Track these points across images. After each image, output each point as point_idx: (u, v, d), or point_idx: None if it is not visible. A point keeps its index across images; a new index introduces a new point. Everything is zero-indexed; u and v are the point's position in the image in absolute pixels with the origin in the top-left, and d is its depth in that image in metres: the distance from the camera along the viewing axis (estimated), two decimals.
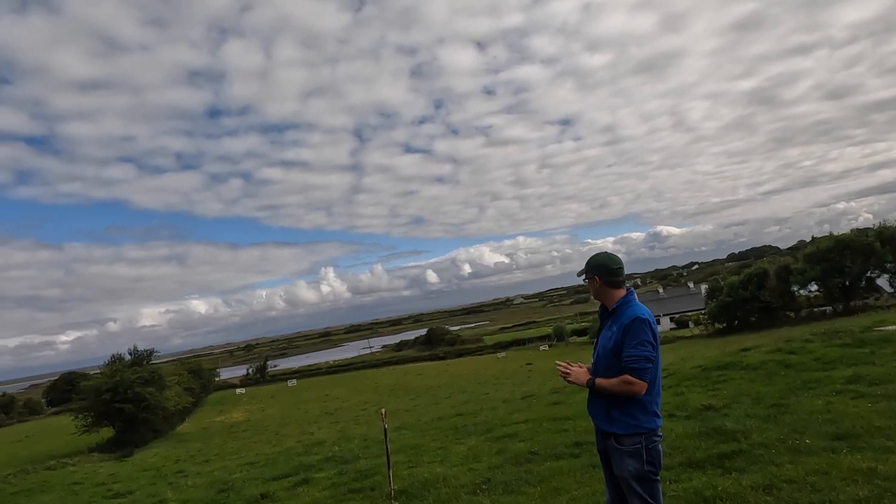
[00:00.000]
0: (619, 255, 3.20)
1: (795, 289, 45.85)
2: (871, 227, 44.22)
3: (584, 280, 3.24)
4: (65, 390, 79.23)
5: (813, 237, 51.15)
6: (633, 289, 3.16)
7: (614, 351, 2.96)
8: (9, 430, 61.09)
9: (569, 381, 3.10)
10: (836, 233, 45.03)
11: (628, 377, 2.86)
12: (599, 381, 2.98)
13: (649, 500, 2.93)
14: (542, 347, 72.33)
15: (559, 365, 3.16)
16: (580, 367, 3.14)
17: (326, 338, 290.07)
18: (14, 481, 18.49)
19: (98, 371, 37.09)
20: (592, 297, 3.25)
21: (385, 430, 4.58)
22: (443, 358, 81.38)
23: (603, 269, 3.14)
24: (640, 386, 2.85)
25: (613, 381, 2.92)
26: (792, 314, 45.96)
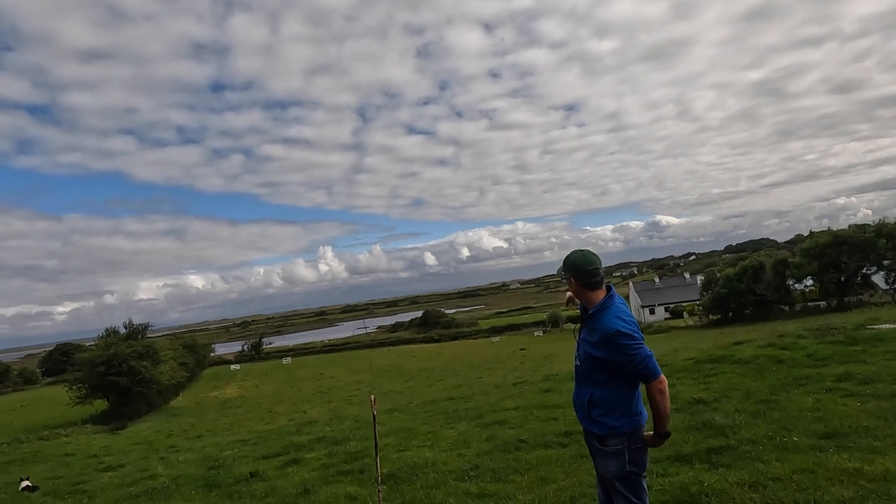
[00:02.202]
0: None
1: (791, 283, 46.01)
2: (870, 223, 44.28)
3: (562, 279, 3.08)
4: (60, 361, 79.46)
5: (811, 231, 51.12)
6: (613, 288, 3.00)
7: (596, 359, 2.86)
8: (4, 399, 61.35)
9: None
10: (834, 228, 45.08)
11: (649, 392, 2.76)
12: (658, 427, 2.83)
13: (634, 500, 2.88)
14: (536, 333, 72.71)
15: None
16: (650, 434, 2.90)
17: (322, 317, 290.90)
18: (7, 450, 18.60)
19: (93, 343, 37.19)
20: (572, 295, 3.11)
21: (374, 415, 4.57)
22: (437, 340, 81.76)
23: (578, 271, 2.95)
24: (660, 380, 2.75)
25: (655, 412, 2.80)
26: (786, 308, 46.17)
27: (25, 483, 9.90)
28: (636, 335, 2.79)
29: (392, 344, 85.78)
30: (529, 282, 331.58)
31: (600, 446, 2.91)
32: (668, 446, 5.27)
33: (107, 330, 38.03)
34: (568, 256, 3.04)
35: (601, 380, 2.89)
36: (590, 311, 2.94)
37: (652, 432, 2.88)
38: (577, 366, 3.07)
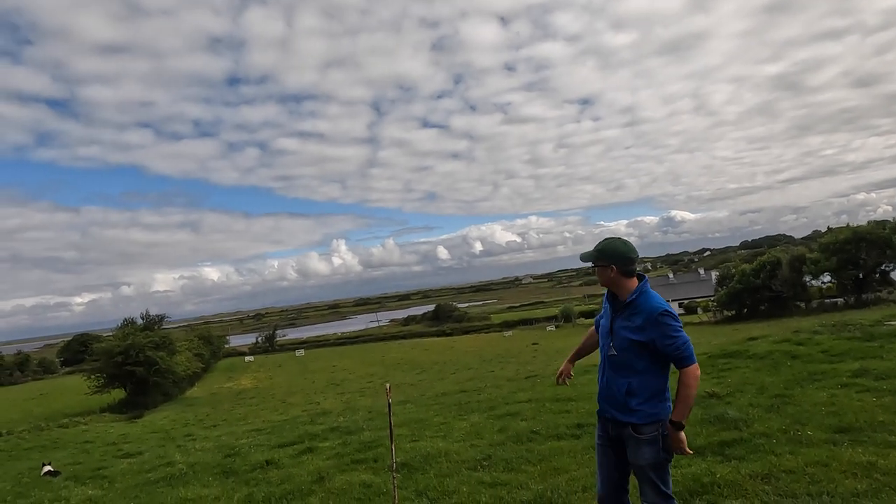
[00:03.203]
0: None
1: (808, 279, 45.46)
2: (891, 219, 43.57)
3: (592, 267, 3.04)
4: (78, 351, 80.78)
5: (829, 227, 50.40)
6: (646, 276, 3.00)
7: (637, 345, 2.85)
8: (24, 388, 62.58)
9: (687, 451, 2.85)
10: (853, 224, 44.43)
11: (684, 371, 2.78)
12: (678, 415, 2.80)
13: (662, 486, 2.87)
14: (548, 328, 72.55)
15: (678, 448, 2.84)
16: (678, 436, 2.83)
17: (335, 310, 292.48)
18: (28, 437, 19.03)
19: (111, 334, 37.79)
20: (602, 284, 3.04)
21: (389, 404, 4.64)
22: (449, 334, 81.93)
23: (621, 258, 2.93)
24: (696, 366, 2.79)
25: (681, 392, 2.78)
26: (802, 305, 45.64)
27: (47, 468, 10.15)
28: (677, 316, 2.84)
29: (404, 337, 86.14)
30: (542, 276, 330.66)
31: (636, 435, 2.86)
32: None
33: (124, 321, 38.60)
34: (609, 243, 2.99)
35: (640, 368, 2.87)
36: (627, 299, 2.92)
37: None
38: (610, 356, 3.00)
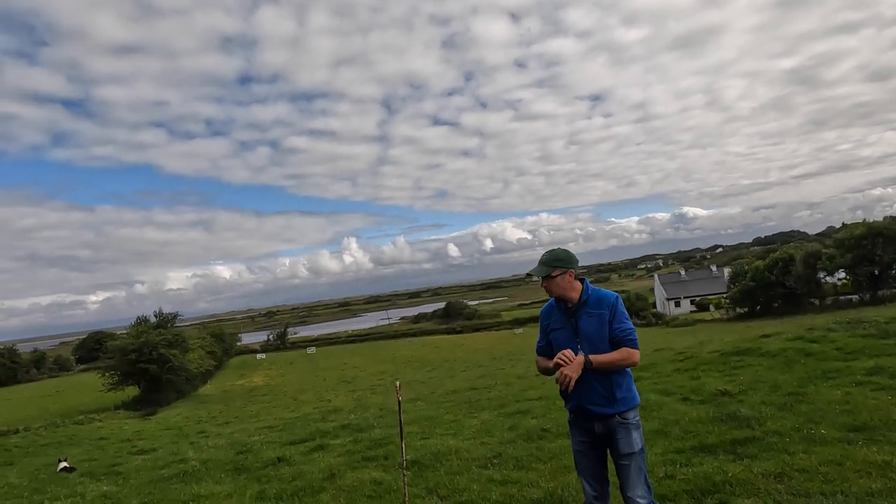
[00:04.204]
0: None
1: (822, 275, 44.94)
2: None
3: (545, 277, 3.11)
4: (93, 349, 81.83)
5: (844, 223, 49.80)
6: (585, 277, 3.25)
7: (608, 336, 3.02)
8: (40, 385, 63.45)
9: (566, 375, 2.88)
10: (869, 220, 43.84)
11: (628, 349, 2.97)
12: (596, 357, 2.94)
13: (645, 471, 3.09)
14: None
15: (562, 358, 2.93)
16: (571, 354, 2.95)
17: (346, 307, 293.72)
18: (45, 434, 19.28)
19: (125, 332, 38.20)
20: (555, 294, 3.14)
21: (399, 402, 4.65)
22: (460, 332, 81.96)
23: (575, 263, 3.17)
24: (638, 355, 3.01)
25: (613, 355, 2.96)
26: (816, 301, 45.13)
27: (63, 464, 10.30)
28: None
29: (415, 335, 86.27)
30: None
31: (625, 422, 3.04)
32: (693, 437, 5.27)
33: (138, 318, 39.05)
34: (560, 251, 3.18)
35: None
36: (583, 298, 3.11)
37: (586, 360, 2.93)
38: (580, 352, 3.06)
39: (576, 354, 2.98)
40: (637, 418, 3.09)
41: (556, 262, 3.12)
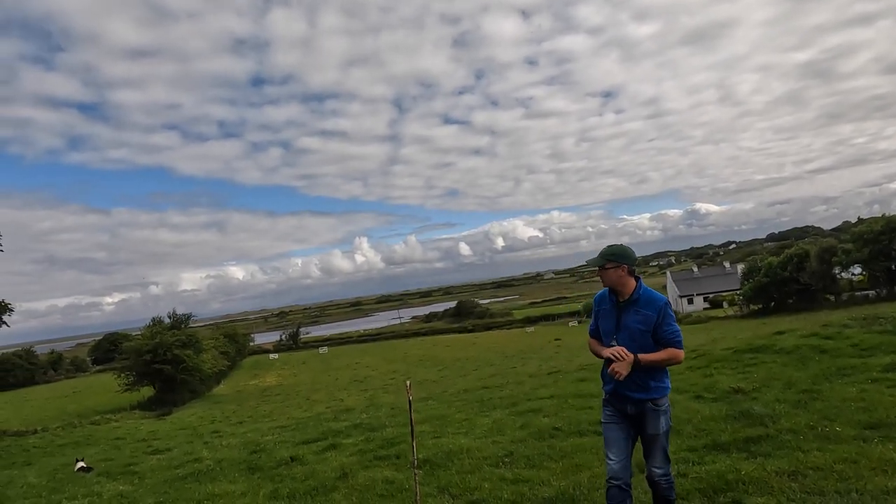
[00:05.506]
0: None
1: (837, 271, 44.38)
2: None
3: (601, 267, 3.42)
4: (108, 350, 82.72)
5: (860, 218, 49.15)
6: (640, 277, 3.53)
7: (649, 332, 3.32)
8: (57, 386, 64.34)
9: (617, 371, 3.20)
10: (887, 214, 43.14)
11: (673, 350, 3.30)
12: (644, 356, 3.25)
13: (667, 448, 3.47)
14: (571, 323, 72.11)
15: (616, 354, 3.24)
16: (624, 351, 3.25)
17: (358, 307, 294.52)
18: (62, 434, 19.56)
19: (139, 333, 38.60)
20: (608, 284, 3.45)
21: (409, 401, 4.67)
22: (471, 331, 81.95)
23: (630, 260, 3.41)
24: (682, 355, 3.35)
25: (660, 354, 3.28)
26: (832, 297, 44.58)
27: (80, 464, 10.44)
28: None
29: (426, 334, 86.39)
30: (564, 272, 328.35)
31: (656, 407, 3.37)
32: (706, 434, 5.23)
33: (152, 320, 39.42)
34: (620, 247, 3.46)
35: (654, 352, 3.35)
36: (633, 296, 3.39)
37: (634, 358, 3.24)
38: (619, 344, 3.40)
39: (614, 344, 3.34)
40: (667, 405, 3.42)
41: (612, 255, 3.41)
